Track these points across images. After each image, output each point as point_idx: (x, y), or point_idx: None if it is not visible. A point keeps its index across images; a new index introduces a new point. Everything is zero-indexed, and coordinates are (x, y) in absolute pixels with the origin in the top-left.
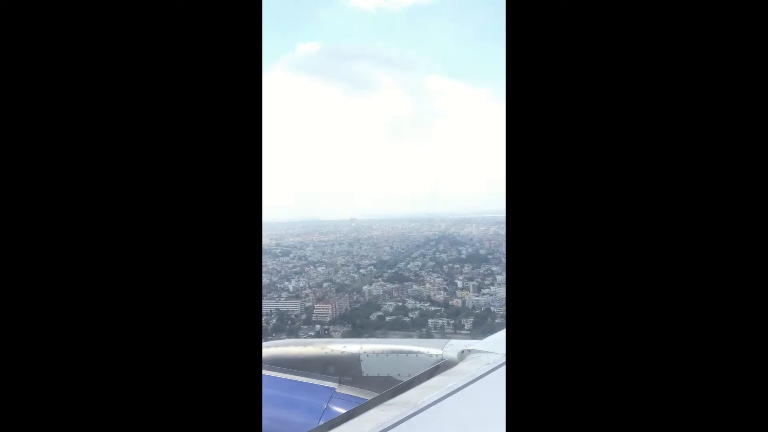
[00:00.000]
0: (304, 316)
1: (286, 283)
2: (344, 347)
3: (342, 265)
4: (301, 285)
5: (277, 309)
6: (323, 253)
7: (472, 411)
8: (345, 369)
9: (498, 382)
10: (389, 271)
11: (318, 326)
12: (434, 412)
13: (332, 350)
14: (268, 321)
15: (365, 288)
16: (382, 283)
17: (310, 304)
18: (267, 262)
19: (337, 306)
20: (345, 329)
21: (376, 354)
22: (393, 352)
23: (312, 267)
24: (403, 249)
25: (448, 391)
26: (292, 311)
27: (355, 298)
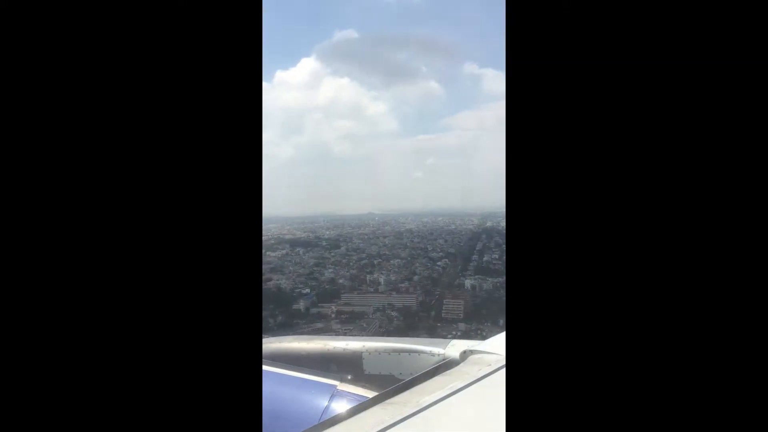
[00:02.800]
0: (433, 313)
1: (372, 276)
2: (347, 344)
3: (411, 258)
4: (392, 278)
5: (390, 304)
6: (379, 246)
7: (472, 412)
8: (347, 366)
9: (499, 384)
10: (470, 264)
11: (461, 324)
12: (435, 413)
13: (334, 347)
14: (390, 317)
15: (466, 282)
16: (480, 277)
17: (422, 298)
18: (325, 255)
19: (466, 302)
20: (497, 328)
21: (378, 352)
22: (395, 350)
23: (381, 260)
24: (458, 242)
25: (449, 392)
26: (409, 306)
27: (474, 292)
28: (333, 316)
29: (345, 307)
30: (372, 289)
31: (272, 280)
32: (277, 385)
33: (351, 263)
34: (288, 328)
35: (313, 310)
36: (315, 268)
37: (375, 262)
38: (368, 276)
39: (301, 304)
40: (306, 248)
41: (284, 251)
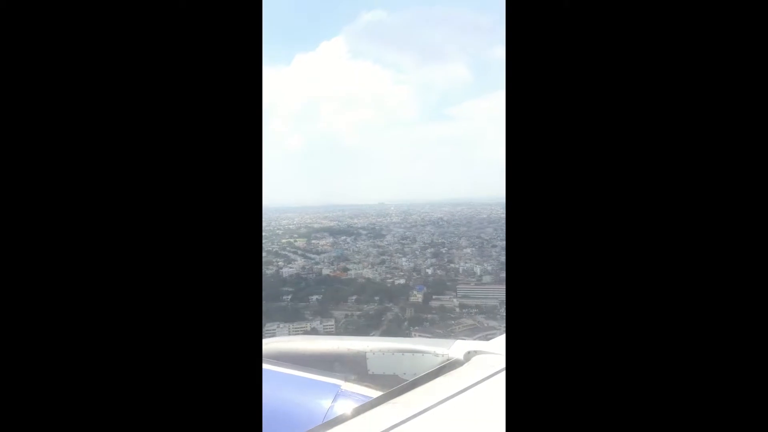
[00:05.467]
0: None
1: (463, 265)
2: (351, 344)
3: (477, 247)
4: (488, 268)
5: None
6: (429, 234)
7: (477, 412)
8: (351, 366)
9: (503, 384)
10: None
11: None
12: (439, 413)
13: (338, 347)
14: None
15: None
16: None
17: None
18: (378, 243)
19: None
20: None
21: (383, 352)
22: (399, 350)
23: (447, 248)
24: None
25: (453, 392)
26: None
27: None
28: (457, 309)
29: (465, 299)
30: (473, 280)
31: (351, 270)
32: (282, 384)
33: (417, 252)
34: (422, 324)
35: (433, 303)
36: (383, 257)
37: (442, 250)
38: (457, 266)
39: (418, 297)
40: (349, 236)
41: (328, 239)
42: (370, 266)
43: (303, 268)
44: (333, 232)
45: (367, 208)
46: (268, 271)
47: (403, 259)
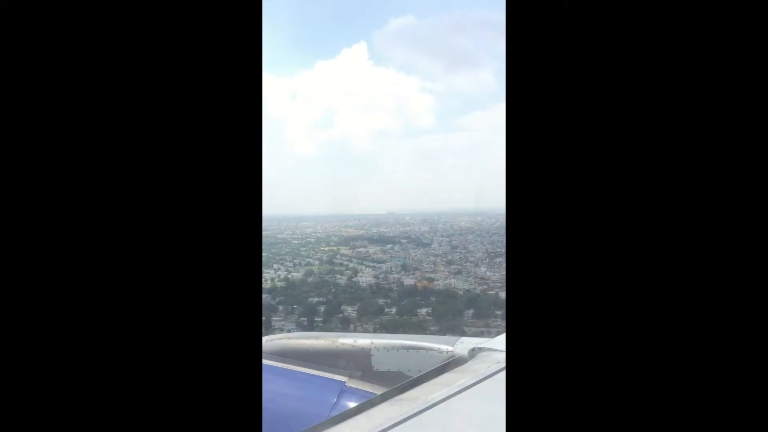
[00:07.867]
0: None
1: None
2: (355, 341)
3: None
4: None
5: None
6: (482, 244)
7: (480, 409)
8: (355, 363)
9: None
10: None
11: None
12: (443, 410)
13: (343, 344)
14: None
15: None
16: None
17: None
18: (434, 252)
19: None
20: None
21: (387, 349)
22: (404, 347)
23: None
24: None
25: (458, 389)
26: None
27: None
28: None
29: None
30: None
31: (437, 281)
32: (286, 380)
33: (485, 261)
34: None
35: None
36: (456, 266)
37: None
38: None
39: None
40: (395, 245)
41: (374, 248)
42: (453, 276)
43: (377, 277)
44: (372, 240)
45: (384, 217)
46: (340, 280)
47: (482, 268)
